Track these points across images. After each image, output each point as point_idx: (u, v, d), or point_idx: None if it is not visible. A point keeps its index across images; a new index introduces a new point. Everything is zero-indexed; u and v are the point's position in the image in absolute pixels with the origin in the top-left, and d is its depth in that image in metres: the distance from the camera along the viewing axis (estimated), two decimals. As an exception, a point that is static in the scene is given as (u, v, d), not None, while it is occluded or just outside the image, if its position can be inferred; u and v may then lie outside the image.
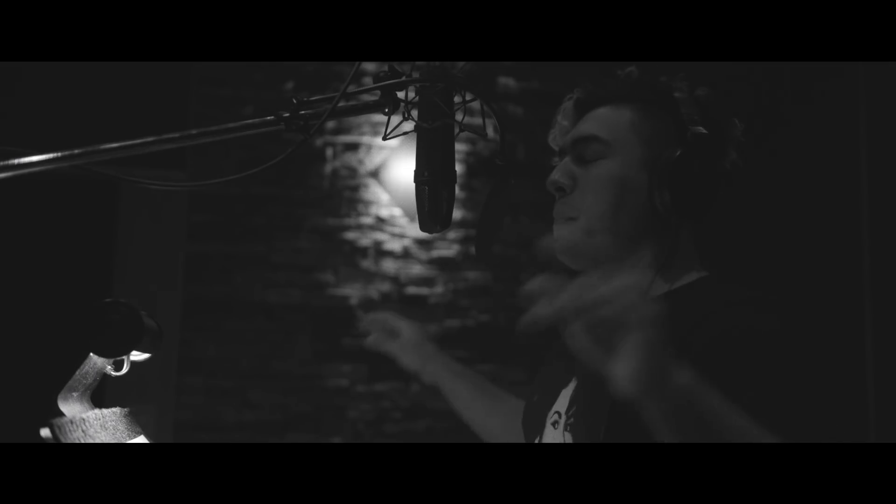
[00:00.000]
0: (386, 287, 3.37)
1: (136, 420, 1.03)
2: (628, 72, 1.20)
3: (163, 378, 3.25)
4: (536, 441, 1.17)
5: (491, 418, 1.50)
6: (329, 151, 3.43)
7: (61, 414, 0.94)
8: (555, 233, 1.17)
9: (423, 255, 3.43)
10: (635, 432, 0.99)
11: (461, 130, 0.97)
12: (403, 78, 0.94)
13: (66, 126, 3.14)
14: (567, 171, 1.16)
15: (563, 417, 1.12)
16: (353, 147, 3.43)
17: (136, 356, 0.98)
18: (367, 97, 0.97)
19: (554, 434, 1.14)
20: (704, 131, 1.11)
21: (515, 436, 1.41)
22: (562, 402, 1.14)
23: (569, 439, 1.10)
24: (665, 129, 1.14)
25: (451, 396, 1.54)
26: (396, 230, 3.41)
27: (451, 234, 3.43)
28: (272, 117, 0.93)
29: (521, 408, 1.46)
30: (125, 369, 0.97)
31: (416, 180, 0.96)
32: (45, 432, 0.85)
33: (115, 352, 0.95)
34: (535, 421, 1.20)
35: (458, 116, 0.96)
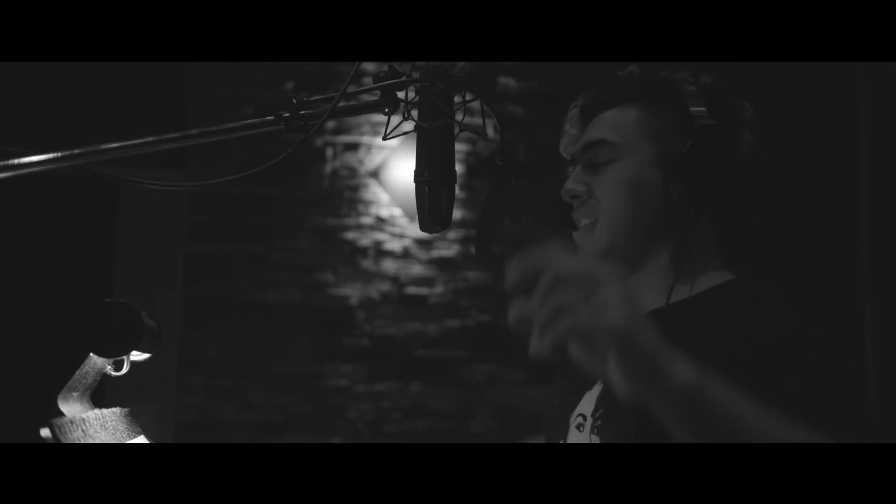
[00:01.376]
0: (386, 287, 3.37)
1: (136, 420, 1.03)
2: (629, 71, 1.20)
3: (163, 378, 3.25)
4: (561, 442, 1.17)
5: None
6: (329, 151, 3.43)
7: (61, 414, 0.94)
8: (577, 240, 1.18)
9: (423, 255, 3.43)
10: (665, 435, 0.99)
11: (461, 130, 0.97)
12: (403, 78, 0.94)
13: (66, 126, 3.14)
14: (580, 179, 1.17)
15: (590, 420, 1.12)
16: (353, 147, 3.43)
17: (136, 356, 0.98)
18: (367, 97, 0.97)
19: (580, 437, 1.13)
20: (713, 121, 1.10)
21: None
22: (586, 405, 1.14)
23: (596, 441, 1.09)
24: (673, 124, 1.14)
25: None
26: (396, 230, 3.41)
27: (451, 234, 3.43)
28: (272, 117, 0.93)
29: None
30: (125, 369, 0.97)
31: (416, 180, 0.96)
32: (45, 432, 0.85)
33: (115, 352, 0.95)
34: (557, 423, 1.19)
35: (458, 116, 0.96)
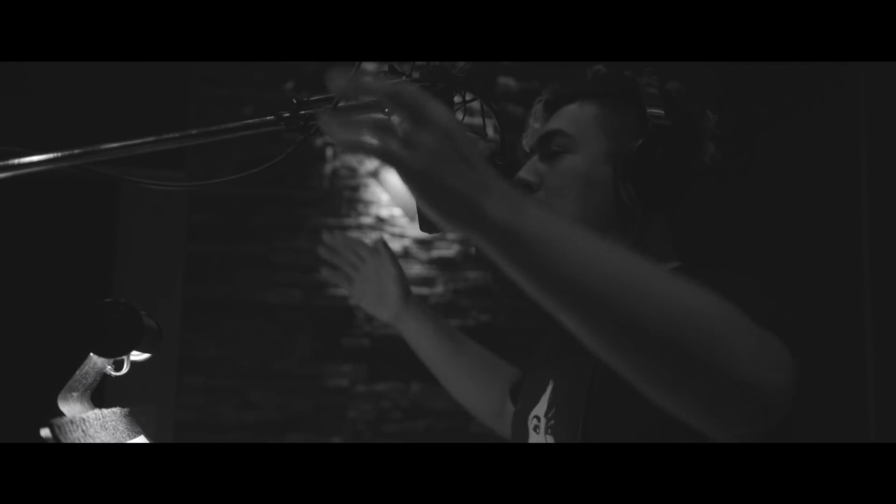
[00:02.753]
0: (386, 287, 3.37)
1: (136, 420, 1.03)
2: (595, 69, 1.20)
3: (163, 378, 3.25)
4: None
5: (455, 361, 1.50)
6: (329, 151, 3.43)
7: (61, 414, 0.94)
8: None
9: (423, 255, 3.43)
10: (611, 430, 0.99)
11: (461, 130, 0.97)
12: (403, 78, 0.94)
13: (66, 126, 3.14)
14: (533, 169, 1.17)
15: (543, 420, 1.12)
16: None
17: (136, 356, 0.98)
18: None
19: (537, 439, 1.13)
20: (668, 123, 1.10)
21: (480, 383, 1.47)
22: (541, 407, 1.14)
23: (551, 441, 1.09)
24: (630, 123, 1.13)
25: (419, 338, 1.51)
26: (396, 230, 3.41)
27: (452, 234, 3.42)
28: (272, 117, 0.93)
29: (488, 356, 1.52)
30: (125, 369, 0.97)
31: (416, 180, 0.96)
32: (45, 432, 0.85)
33: (115, 352, 0.95)
34: (519, 428, 1.20)
35: (458, 116, 0.96)
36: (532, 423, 1.16)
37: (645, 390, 0.75)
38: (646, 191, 1.09)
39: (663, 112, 1.11)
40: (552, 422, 1.10)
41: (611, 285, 0.71)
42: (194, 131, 0.93)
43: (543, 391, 1.15)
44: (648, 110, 1.11)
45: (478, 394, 1.52)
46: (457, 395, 1.54)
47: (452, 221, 0.70)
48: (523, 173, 1.17)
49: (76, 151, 0.89)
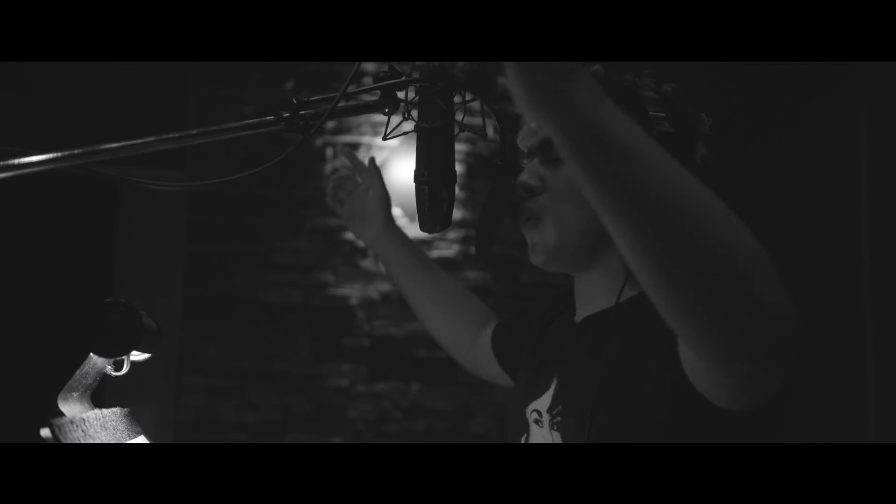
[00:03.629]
0: (386, 287, 3.37)
1: (136, 420, 1.03)
2: (594, 71, 1.20)
3: (163, 378, 3.25)
4: (523, 440, 1.18)
5: (427, 287, 1.55)
6: (329, 151, 3.43)
7: (61, 414, 0.94)
8: (525, 235, 1.18)
9: (423, 255, 3.43)
10: (619, 429, 1.00)
11: (461, 130, 0.97)
12: (403, 78, 0.95)
13: (66, 126, 3.15)
14: (535, 173, 1.17)
15: (547, 416, 1.13)
16: (353, 147, 3.43)
17: (136, 356, 0.98)
18: (367, 97, 0.97)
19: (541, 433, 1.14)
20: (670, 129, 1.11)
21: (450, 313, 1.52)
22: (542, 402, 1.15)
23: (557, 438, 1.10)
24: None
25: (395, 261, 1.56)
26: (396, 230, 3.41)
27: (451, 234, 3.43)
28: (272, 117, 0.93)
29: (461, 289, 1.57)
30: (125, 369, 0.97)
31: (416, 180, 0.96)
32: (45, 432, 0.85)
33: (115, 352, 0.95)
34: (517, 419, 1.21)
35: (458, 116, 0.96)
36: (532, 416, 1.16)
37: (665, 302, 0.77)
38: None
39: (665, 116, 1.11)
40: (558, 418, 1.10)
41: (674, 200, 0.73)
42: (194, 131, 0.93)
43: (547, 387, 1.16)
44: (652, 115, 1.11)
45: (447, 323, 1.56)
46: (425, 321, 1.59)
47: (537, 101, 0.72)
48: (525, 177, 1.17)
49: (76, 151, 0.89)
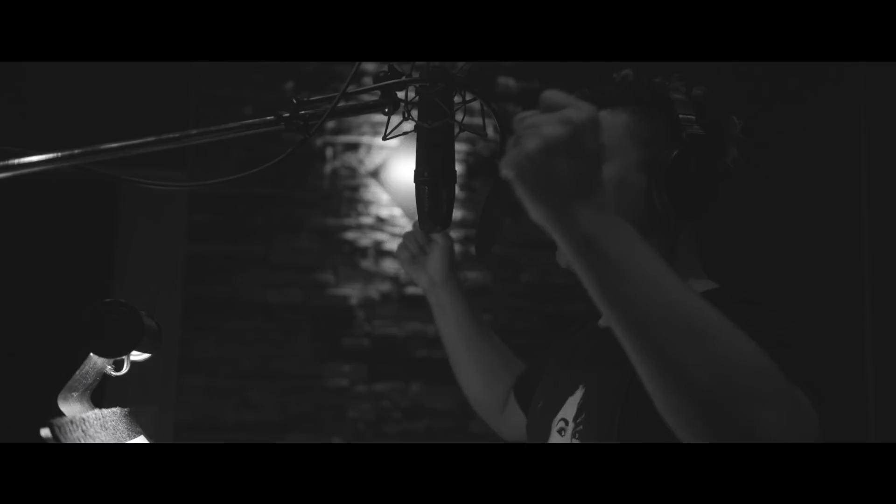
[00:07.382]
0: (386, 287, 3.37)
1: (136, 420, 1.03)
2: (624, 74, 1.20)
3: (163, 378, 3.25)
4: None
5: (475, 345, 1.52)
6: (329, 151, 3.43)
7: (61, 414, 0.94)
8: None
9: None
10: (644, 437, 0.99)
11: (461, 130, 0.97)
12: (403, 78, 0.95)
13: (66, 126, 3.14)
14: None
15: (571, 425, 1.12)
16: (353, 147, 3.43)
17: (136, 356, 0.98)
18: (367, 97, 0.97)
19: (561, 441, 1.14)
20: (701, 132, 1.11)
21: (494, 374, 1.49)
22: (568, 410, 1.14)
23: None
24: (662, 131, 1.14)
25: (445, 313, 1.55)
26: (396, 230, 3.41)
27: (452, 234, 3.42)
28: (272, 117, 0.93)
29: (507, 351, 1.54)
30: (125, 369, 0.97)
31: (416, 180, 0.97)
32: (45, 432, 0.85)
33: (115, 352, 0.95)
34: (539, 428, 1.20)
35: (458, 116, 0.96)
36: (557, 425, 1.16)
37: (668, 420, 0.78)
38: (680, 200, 1.10)
39: (695, 119, 1.12)
40: (581, 427, 1.10)
41: (668, 329, 0.75)
42: (194, 131, 0.93)
43: (571, 394, 1.15)
44: (682, 118, 1.12)
45: (487, 384, 1.52)
46: (464, 380, 1.54)
47: (544, 211, 0.75)
48: None
49: (76, 151, 0.89)
